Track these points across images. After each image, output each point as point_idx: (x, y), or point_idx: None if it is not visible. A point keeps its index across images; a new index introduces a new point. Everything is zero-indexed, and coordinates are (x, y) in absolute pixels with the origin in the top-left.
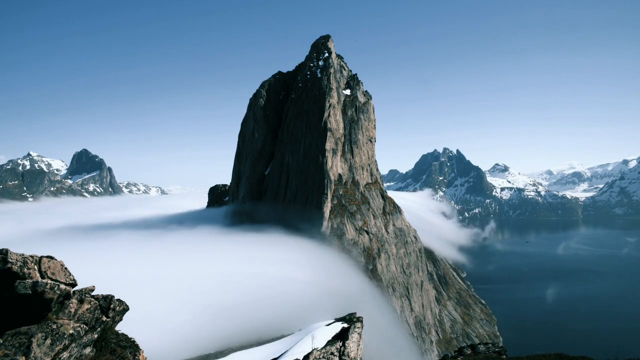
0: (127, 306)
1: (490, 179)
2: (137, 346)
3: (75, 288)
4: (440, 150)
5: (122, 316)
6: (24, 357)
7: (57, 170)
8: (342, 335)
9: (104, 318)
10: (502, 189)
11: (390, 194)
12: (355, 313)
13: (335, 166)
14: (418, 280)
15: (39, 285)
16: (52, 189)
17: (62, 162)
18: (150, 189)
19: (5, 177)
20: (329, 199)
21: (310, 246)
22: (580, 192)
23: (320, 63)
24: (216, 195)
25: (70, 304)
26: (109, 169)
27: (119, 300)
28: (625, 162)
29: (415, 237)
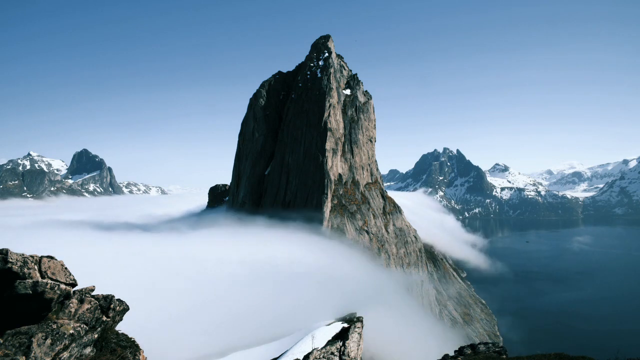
0: (127, 306)
1: (490, 178)
2: (137, 346)
3: (76, 288)
4: (441, 150)
5: (122, 316)
6: (24, 357)
7: (57, 170)
8: (343, 335)
9: (104, 318)
10: (502, 189)
11: (391, 193)
12: (355, 313)
13: (335, 166)
14: (418, 280)
15: (39, 285)
16: (52, 188)
17: (62, 162)
18: (150, 188)
19: (5, 177)
20: (329, 199)
21: (316, 237)
22: (580, 192)
23: (321, 63)
24: (216, 195)
25: (71, 304)
26: (109, 169)
27: (119, 300)
28: (626, 162)
29: (415, 237)
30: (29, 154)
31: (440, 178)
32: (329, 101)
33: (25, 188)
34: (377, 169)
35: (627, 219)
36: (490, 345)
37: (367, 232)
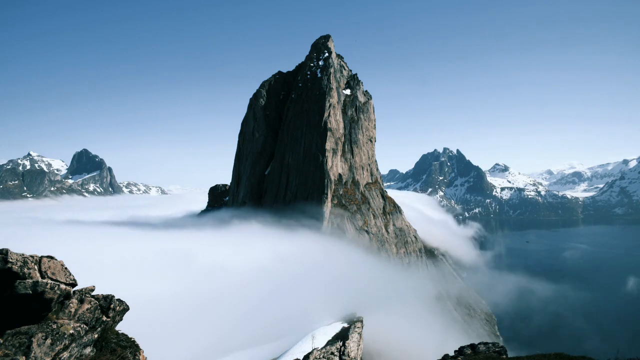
0: (127, 306)
1: (490, 178)
2: (137, 346)
3: (76, 288)
4: (441, 150)
5: (123, 316)
6: (24, 357)
7: (57, 170)
8: (343, 335)
9: (104, 318)
10: (502, 189)
11: (391, 193)
12: (355, 313)
13: (336, 166)
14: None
15: (39, 285)
16: (52, 188)
17: (62, 162)
18: (150, 188)
19: (5, 177)
20: (329, 199)
21: (316, 237)
22: (580, 192)
23: (321, 63)
24: (216, 195)
25: (71, 304)
26: (109, 169)
27: (119, 300)
28: (625, 162)
29: (415, 237)
30: (29, 154)
31: (440, 178)
32: (329, 101)
33: (25, 188)
34: (377, 169)
35: (627, 219)
36: (490, 345)
37: (367, 232)
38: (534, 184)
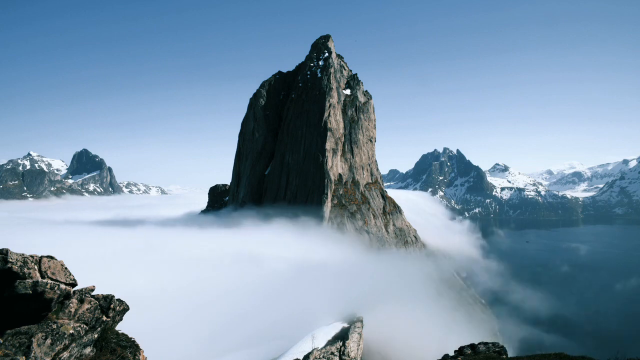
0: (127, 306)
1: (490, 178)
2: (137, 346)
3: (76, 288)
4: (441, 150)
5: (122, 316)
6: (24, 357)
7: (58, 170)
8: (343, 335)
9: (104, 318)
10: (502, 189)
11: (391, 193)
12: (355, 313)
13: (336, 166)
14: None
15: (39, 285)
16: (52, 188)
17: (62, 162)
18: (150, 188)
19: (5, 177)
20: (329, 199)
21: (316, 237)
22: (580, 192)
23: (321, 63)
24: (216, 195)
25: (71, 304)
26: (109, 169)
27: (119, 300)
28: (626, 162)
29: (415, 237)
30: (29, 154)
31: (440, 178)
32: (329, 101)
33: (25, 188)
34: (377, 169)
35: (627, 219)
36: (490, 345)
37: (367, 232)
38: (534, 184)
